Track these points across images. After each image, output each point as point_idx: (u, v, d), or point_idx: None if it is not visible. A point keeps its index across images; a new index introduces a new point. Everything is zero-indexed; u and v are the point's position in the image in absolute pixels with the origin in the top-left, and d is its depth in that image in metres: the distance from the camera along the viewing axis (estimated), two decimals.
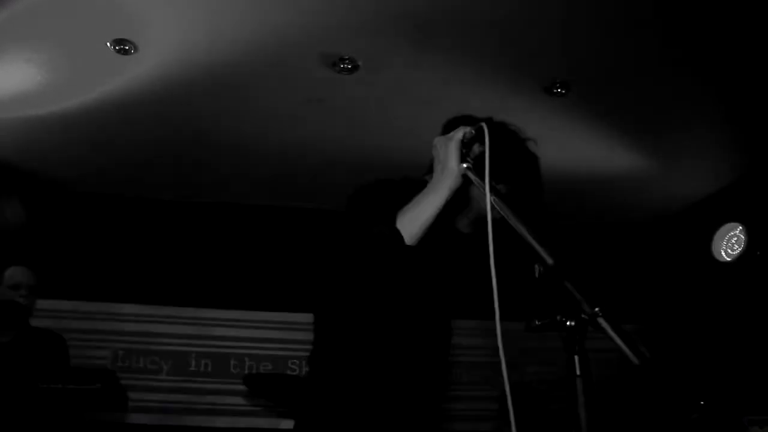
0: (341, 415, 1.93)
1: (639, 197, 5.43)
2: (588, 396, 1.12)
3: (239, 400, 4.76)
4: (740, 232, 5.24)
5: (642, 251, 5.83)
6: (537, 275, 1.25)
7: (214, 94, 4.06)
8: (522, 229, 1.42)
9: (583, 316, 1.14)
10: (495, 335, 1.29)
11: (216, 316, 5.05)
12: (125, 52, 3.62)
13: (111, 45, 3.56)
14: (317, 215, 4.84)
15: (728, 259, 5.32)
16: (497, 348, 1.29)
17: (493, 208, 1.51)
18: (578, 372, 1.13)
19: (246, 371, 4.87)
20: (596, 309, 1.15)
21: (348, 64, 3.76)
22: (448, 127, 2.06)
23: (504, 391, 1.34)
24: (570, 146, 4.67)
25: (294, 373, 4.76)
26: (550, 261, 1.25)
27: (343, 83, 3.93)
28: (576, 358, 1.14)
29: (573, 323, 1.15)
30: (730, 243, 5.34)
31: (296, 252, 4.89)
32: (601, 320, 1.13)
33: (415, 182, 2.11)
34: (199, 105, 4.17)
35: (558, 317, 1.15)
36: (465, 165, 1.71)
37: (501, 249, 1.43)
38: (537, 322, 1.18)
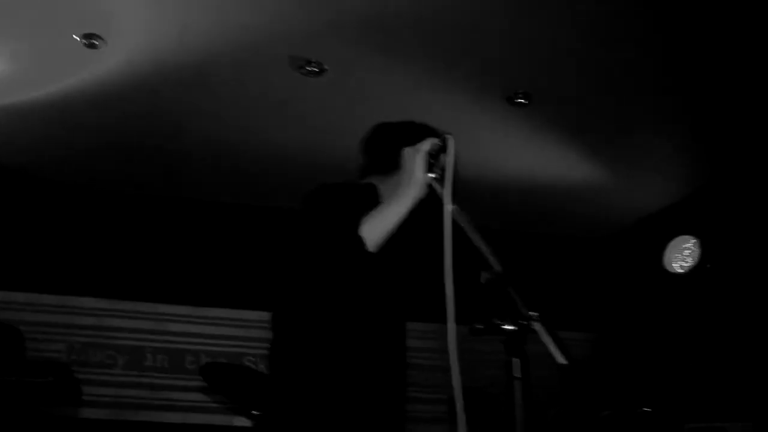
0: (305, 416, 1.95)
1: (596, 208, 5.54)
2: (526, 397, 1.18)
3: (194, 396, 4.75)
4: (693, 245, 5.39)
5: (598, 261, 5.95)
6: (483, 281, 1.31)
7: (181, 91, 4.06)
8: (476, 238, 1.49)
9: (521, 321, 1.21)
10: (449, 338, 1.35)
11: (173, 311, 5.03)
12: (93, 46, 3.61)
13: (79, 38, 3.55)
14: (278, 214, 4.86)
15: (680, 270, 5.46)
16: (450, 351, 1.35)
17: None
18: (517, 374, 1.20)
19: None
20: (533, 314, 1.21)
21: (315, 67, 3.80)
22: (380, 132, 2.14)
23: (454, 394, 1.40)
24: (529, 156, 4.76)
25: (251, 367, 4.75)
26: (497, 268, 1.32)
27: (309, 86, 3.97)
28: (515, 360, 1.21)
29: (512, 327, 1.22)
30: (682, 255, 5.49)
31: (255, 250, 4.89)
32: (536, 324, 1.20)
33: (366, 186, 2.16)
34: (167, 101, 4.17)
35: (496, 321, 1.22)
36: (432, 176, 1.76)
37: (453, 255, 1.49)
38: (479, 326, 1.25)
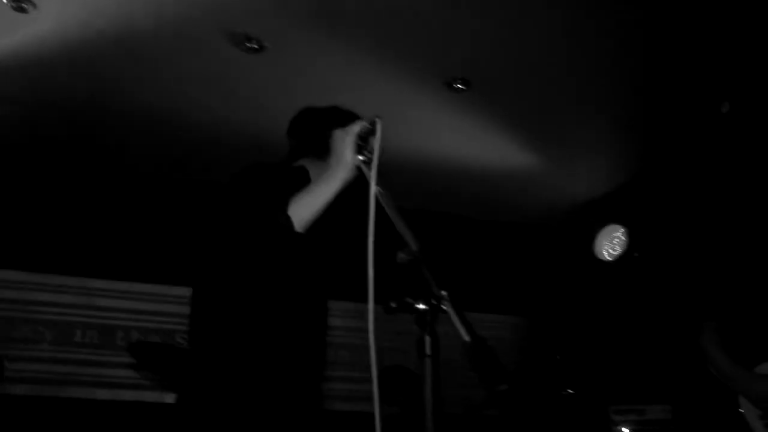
0: (223, 393, 1.95)
1: (531, 195, 5.65)
2: (435, 375, 1.22)
3: (124, 372, 4.67)
4: (622, 234, 5.56)
5: (531, 247, 6.08)
6: (399, 261, 1.34)
7: (115, 60, 3.96)
8: (396, 219, 1.52)
9: (432, 300, 1.25)
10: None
11: (103, 286, 4.93)
12: (23, 10, 3.49)
13: (7, 1, 3.43)
14: (212, 189, 4.76)
15: (609, 258, 5.63)
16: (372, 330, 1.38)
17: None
18: (428, 352, 1.23)
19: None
20: (443, 293, 1.25)
21: (255, 44, 3.77)
22: (309, 115, 2.16)
23: (374, 372, 1.43)
24: (467, 141, 4.83)
25: (182, 346, 4.71)
26: (414, 248, 1.35)
27: (247, 63, 3.93)
28: (426, 338, 1.24)
29: (424, 306, 1.25)
30: (611, 243, 5.65)
31: (187, 225, 4.81)
32: (445, 303, 1.23)
33: (297, 168, 2.17)
34: (99, 70, 4.06)
35: (408, 300, 1.25)
36: (361, 158, 1.78)
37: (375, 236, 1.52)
38: (393, 305, 1.28)
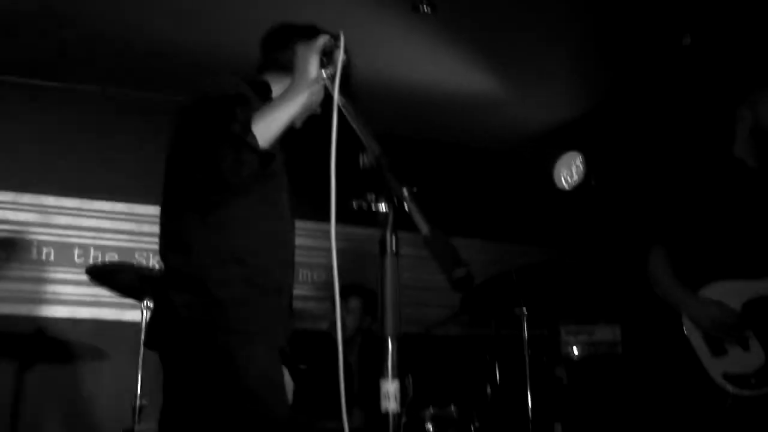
0: (199, 315, 1.95)
1: (493, 122, 5.68)
2: (394, 271, 1.25)
3: (84, 289, 4.66)
4: (580, 161, 5.65)
5: (490, 173, 6.14)
6: (362, 166, 1.36)
7: None
8: (359, 124, 1.52)
9: (395, 199, 1.27)
10: (342, 238, 1.40)
11: (60, 204, 4.85)
12: None
13: None
14: (172, 106, 4.65)
15: (567, 186, 5.74)
16: (341, 251, 1.40)
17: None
18: (390, 250, 1.26)
19: (91, 261, 4.76)
20: (404, 192, 1.27)
21: None
22: (278, 30, 2.13)
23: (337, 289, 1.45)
24: (431, 65, 4.80)
25: (141, 265, 4.70)
26: (376, 152, 1.36)
27: None
28: (388, 237, 1.27)
29: (386, 205, 1.28)
30: (569, 171, 5.75)
31: (147, 141, 4.72)
32: (407, 202, 1.26)
33: (260, 83, 2.15)
34: None
35: (370, 197, 1.27)
36: (325, 73, 1.77)
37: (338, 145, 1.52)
38: (355, 205, 1.30)
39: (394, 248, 1.27)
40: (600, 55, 4.65)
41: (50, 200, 4.83)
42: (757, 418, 2.65)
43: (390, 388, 1.23)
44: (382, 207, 1.30)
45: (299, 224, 2.28)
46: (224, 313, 1.90)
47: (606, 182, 5.47)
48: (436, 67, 4.82)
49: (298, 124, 2.12)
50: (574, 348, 4.66)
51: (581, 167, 5.63)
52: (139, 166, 4.75)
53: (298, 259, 2.24)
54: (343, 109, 1.57)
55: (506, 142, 5.98)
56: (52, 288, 4.73)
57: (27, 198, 4.78)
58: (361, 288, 4.16)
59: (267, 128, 1.79)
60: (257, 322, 1.96)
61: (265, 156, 1.79)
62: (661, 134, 5.00)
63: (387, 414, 1.23)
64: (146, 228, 4.84)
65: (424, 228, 1.23)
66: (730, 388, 2.64)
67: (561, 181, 5.78)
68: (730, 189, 2.85)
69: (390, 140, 1.64)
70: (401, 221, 1.33)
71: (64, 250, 4.81)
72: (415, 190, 1.28)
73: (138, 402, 3.52)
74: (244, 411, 1.84)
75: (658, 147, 4.96)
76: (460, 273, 1.16)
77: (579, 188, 5.64)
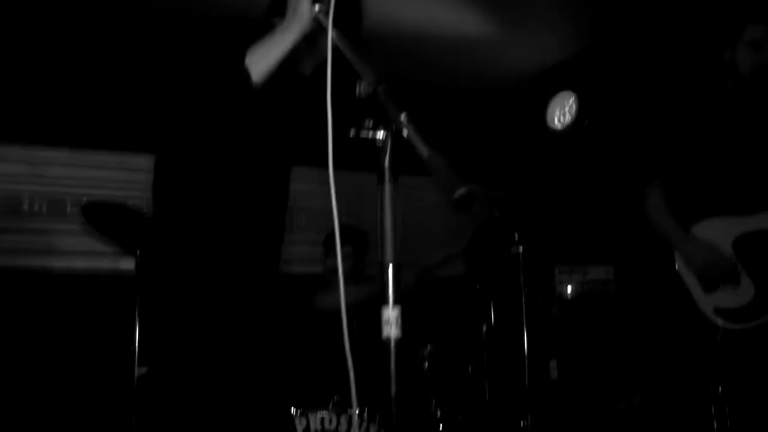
0: (181, 255, 1.96)
1: (485, 62, 5.61)
2: (392, 199, 1.24)
3: (77, 240, 4.65)
4: (573, 101, 5.61)
5: (483, 116, 6.10)
6: (358, 94, 1.34)
7: None
8: (354, 55, 1.50)
9: (392, 125, 1.26)
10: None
11: (50, 155, 4.78)
12: None
13: None
14: (166, 49, 4.49)
15: (559, 127, 5.71)
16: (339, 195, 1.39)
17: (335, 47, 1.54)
18: (390, 177, 1.25)
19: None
20: (402, 118, 1.26)
21: None
22: None
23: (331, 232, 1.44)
24: (421, 5, 4.72)
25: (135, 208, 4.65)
26: (372, 79, 1.35)
27: None
28: (386, 163, 1.26)
29: (384, 132, 1.27)
30: (562, 111, 5.71)
31: (139, 88, 4.62)
32: (405, 128, 1.25)
33: (261, 23, 2.11)
34: None
35: (368, 123, 1.26)
36: (317, 8, 1.73)
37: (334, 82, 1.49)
38: (352, 132, 1.28)
39: (390, 176, 1.26)
40: None
41: (40, 151, 4.75)
42: (745, 350, 2.71)
43: (390, 314, 1.24)
44: (380, 134, 1.28)
45: (297, 170, 2.27)
46: (189, 267, 1.96)
47: (599, 122, 5.44)
48: (426, 7, 4.74)
49: (308, 70, 2.11)
50: (568, 287, 4.70)
51: (574, 107, 5.59)
52: (131, 112, 4.66)
53: (294, 204, 2.25)
54: (339, 44, 1.54)
55: (497, 83, 5.92)
56: (46, 239, 4.71)
57: (15, 150, 4.70)
58: (351, 232, 4.10)
59: (259, 62, 1.79)
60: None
61: (256, 91, 1.78)
62: (653, 72, 4.96)
63: (388, 339, 1.24)
64: (138, 177, 4.73)
65: (424, 151, 1.22)
66: (720, 322, 2.69)
67: (554, 121, 5.75)
68: (721, 125, 2.87)
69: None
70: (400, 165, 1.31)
71: (56, 202, 4.77)
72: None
73: (136, 347, 3.54)
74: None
75: (650, 86, 4.93)
76: (461, 192, 1.15)
77: (572, 129, 5.61)
